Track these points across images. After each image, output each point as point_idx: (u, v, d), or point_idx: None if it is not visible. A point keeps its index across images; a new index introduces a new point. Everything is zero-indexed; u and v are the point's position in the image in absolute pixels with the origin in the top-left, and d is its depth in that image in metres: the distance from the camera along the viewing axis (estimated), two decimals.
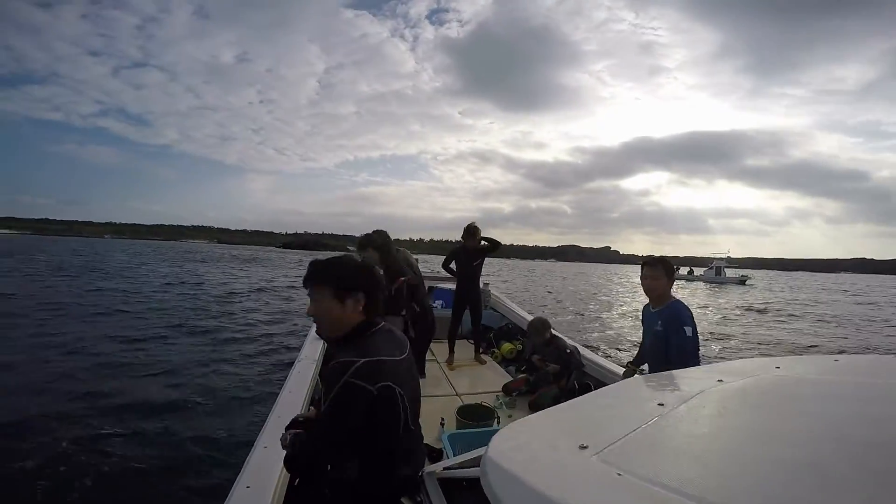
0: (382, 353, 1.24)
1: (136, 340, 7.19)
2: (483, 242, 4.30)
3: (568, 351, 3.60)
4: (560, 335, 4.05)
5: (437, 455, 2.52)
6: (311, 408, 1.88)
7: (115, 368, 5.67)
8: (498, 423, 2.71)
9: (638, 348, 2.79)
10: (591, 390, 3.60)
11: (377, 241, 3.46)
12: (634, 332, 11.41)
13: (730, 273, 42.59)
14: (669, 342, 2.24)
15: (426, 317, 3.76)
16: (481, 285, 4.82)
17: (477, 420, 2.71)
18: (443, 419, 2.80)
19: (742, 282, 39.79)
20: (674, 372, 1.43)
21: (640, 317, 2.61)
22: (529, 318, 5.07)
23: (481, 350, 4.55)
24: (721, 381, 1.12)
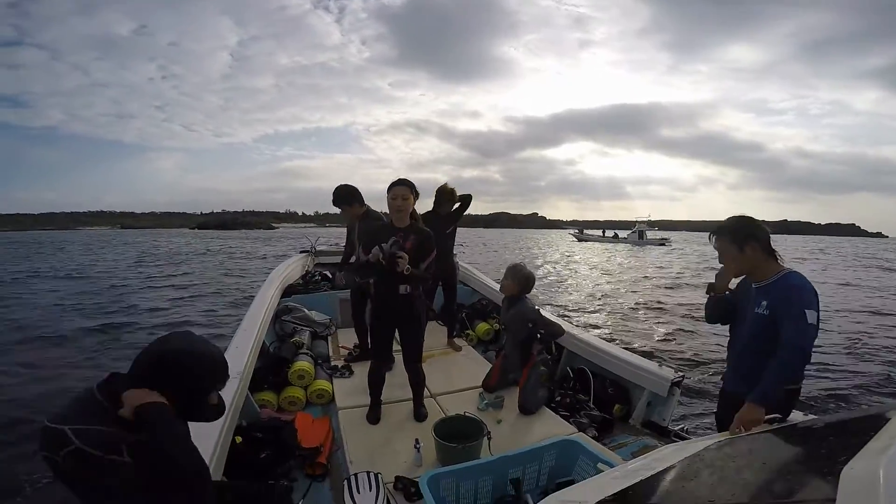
0: None
1: None
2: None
3: (530, 325, 2.80)
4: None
5: (414, 492, 1.92)
6: None
7: None
8: (489, 439, 2.16)
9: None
10: (589, 378, 2.92)
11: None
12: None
13: (650, 235, 46.27)
14: (781, 333, 1.55)
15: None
16: None
17: (462, 439, 2.13)
18: (418, 441, 2.19)
19: (662, 243, 43.59)
20: None
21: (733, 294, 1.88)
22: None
23: (454, 333, 3.91)
24: None
